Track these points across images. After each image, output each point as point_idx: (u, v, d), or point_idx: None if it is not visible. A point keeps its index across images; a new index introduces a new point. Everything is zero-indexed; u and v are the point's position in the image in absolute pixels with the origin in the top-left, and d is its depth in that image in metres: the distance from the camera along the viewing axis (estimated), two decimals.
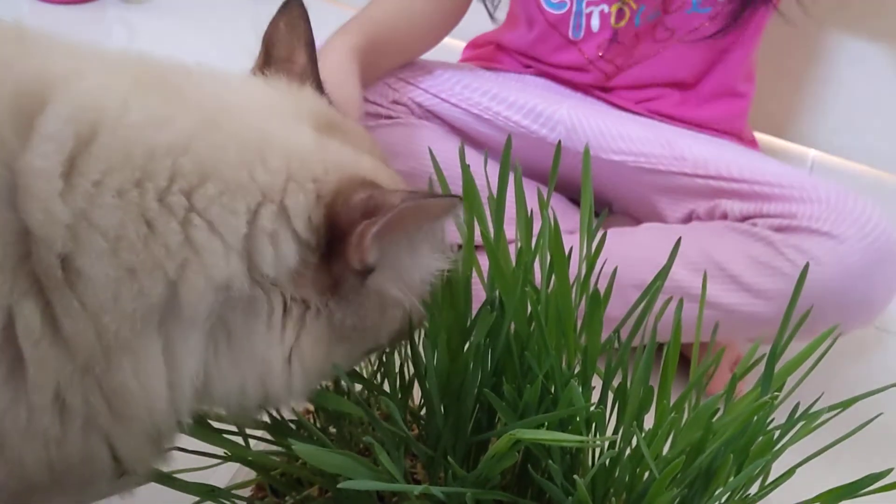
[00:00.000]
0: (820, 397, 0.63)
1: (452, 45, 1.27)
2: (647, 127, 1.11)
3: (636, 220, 1.11)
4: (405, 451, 0.65)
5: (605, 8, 1.12)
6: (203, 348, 0.51)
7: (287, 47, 0.65)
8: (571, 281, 0.62)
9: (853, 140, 1.54)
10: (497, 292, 0.62)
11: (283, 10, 0.65)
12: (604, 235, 0.66)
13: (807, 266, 0.65)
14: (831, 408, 0.62)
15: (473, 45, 1.31)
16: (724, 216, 1.01)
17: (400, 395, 0.67)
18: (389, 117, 1.10)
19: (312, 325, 0.54)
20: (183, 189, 0.48)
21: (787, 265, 0.94)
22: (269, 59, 0.64)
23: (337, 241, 0.52)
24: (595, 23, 1.13)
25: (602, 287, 0.63)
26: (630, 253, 0.97)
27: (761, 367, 0.63)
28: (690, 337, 0.70)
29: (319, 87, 0.65)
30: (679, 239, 0.66)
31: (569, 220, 1.05)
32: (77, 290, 0.46)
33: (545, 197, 0.67)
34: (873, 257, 0.93)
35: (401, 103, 1.11)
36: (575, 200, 1.13)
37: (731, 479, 0.60)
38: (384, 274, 0.55)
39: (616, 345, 0.64)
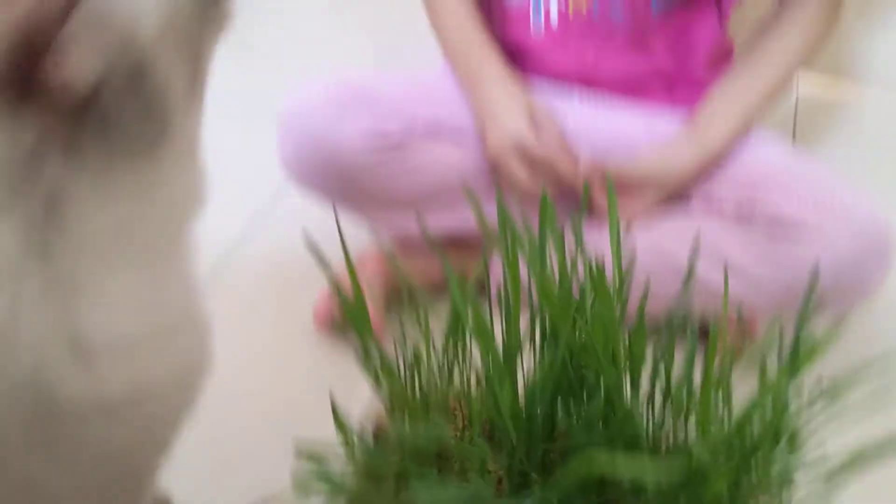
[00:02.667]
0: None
1: None
2: (642, 126, 1.19)
3: None
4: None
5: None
6: None
7: None
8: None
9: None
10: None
11: None
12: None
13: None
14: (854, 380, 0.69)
15: None
16: (720, 200, 1.11)
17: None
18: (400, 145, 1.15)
19: None
20: None
21: (785, 257, 1.05)
22: None
23: None
24: (553, 14, 1.18)
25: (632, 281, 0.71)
26: (652, 245, 1.09)
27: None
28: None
29: None
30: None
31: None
32: None
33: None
34: (861, 246, 1.04)
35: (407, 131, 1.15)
36: None
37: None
38: None
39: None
